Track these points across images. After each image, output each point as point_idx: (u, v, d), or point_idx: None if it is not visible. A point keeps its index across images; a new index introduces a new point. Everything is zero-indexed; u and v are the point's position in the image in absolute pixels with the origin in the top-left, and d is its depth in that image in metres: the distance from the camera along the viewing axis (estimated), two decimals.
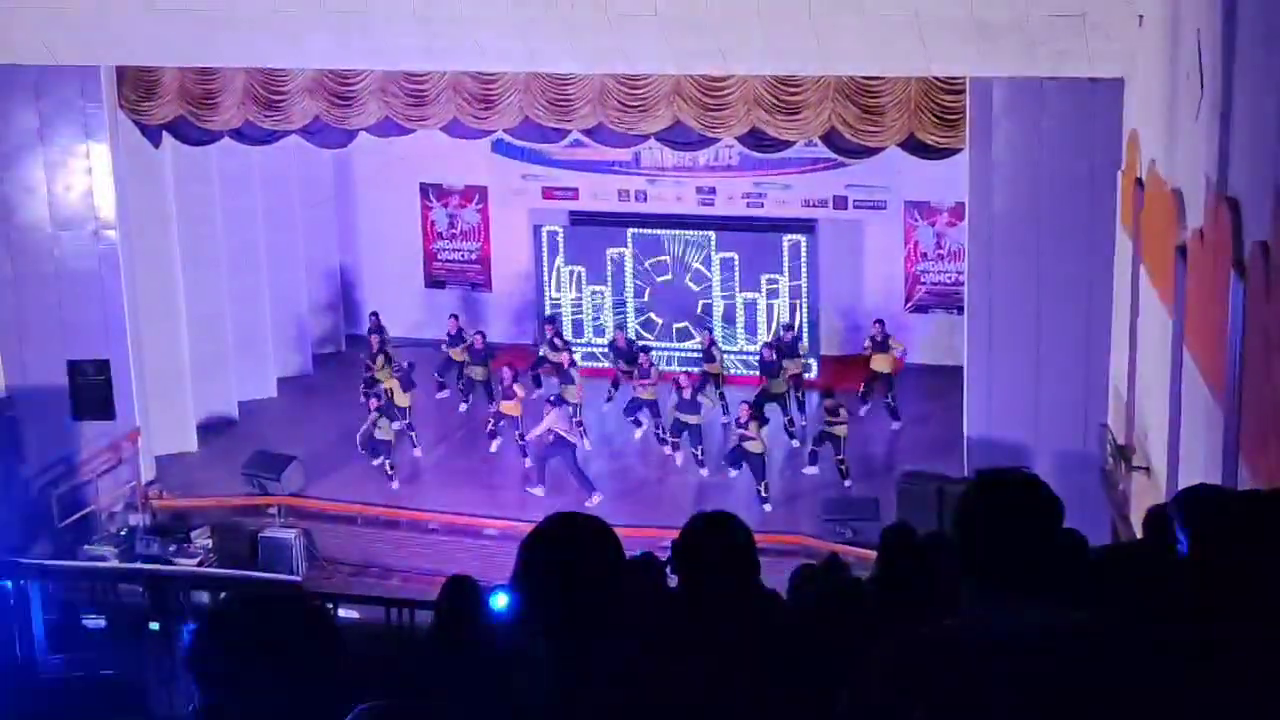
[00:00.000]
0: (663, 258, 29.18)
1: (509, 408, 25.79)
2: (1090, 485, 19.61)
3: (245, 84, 24.52)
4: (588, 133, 24.28)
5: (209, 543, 24.38)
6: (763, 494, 23.90)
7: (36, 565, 20.17)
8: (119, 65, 24.67)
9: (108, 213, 24.94)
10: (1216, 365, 12.52)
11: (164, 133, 25.55)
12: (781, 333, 27.72)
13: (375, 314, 29.26)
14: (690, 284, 29.12)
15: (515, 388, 25.79)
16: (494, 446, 26.22)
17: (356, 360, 29.22)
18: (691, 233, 29.22)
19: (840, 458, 24.69)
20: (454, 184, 31.35)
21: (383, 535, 24.63)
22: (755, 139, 23.40)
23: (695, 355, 27.91)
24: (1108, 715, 3.89)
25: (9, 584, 17.14)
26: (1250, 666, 4.08)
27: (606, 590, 3.94)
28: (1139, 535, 11.89)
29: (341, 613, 18.51)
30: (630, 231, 29.45)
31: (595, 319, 29.79)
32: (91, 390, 24.62)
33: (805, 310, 28.63)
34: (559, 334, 28.43)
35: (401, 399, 26.36)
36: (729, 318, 29.00)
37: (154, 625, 17.21)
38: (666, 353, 28.65)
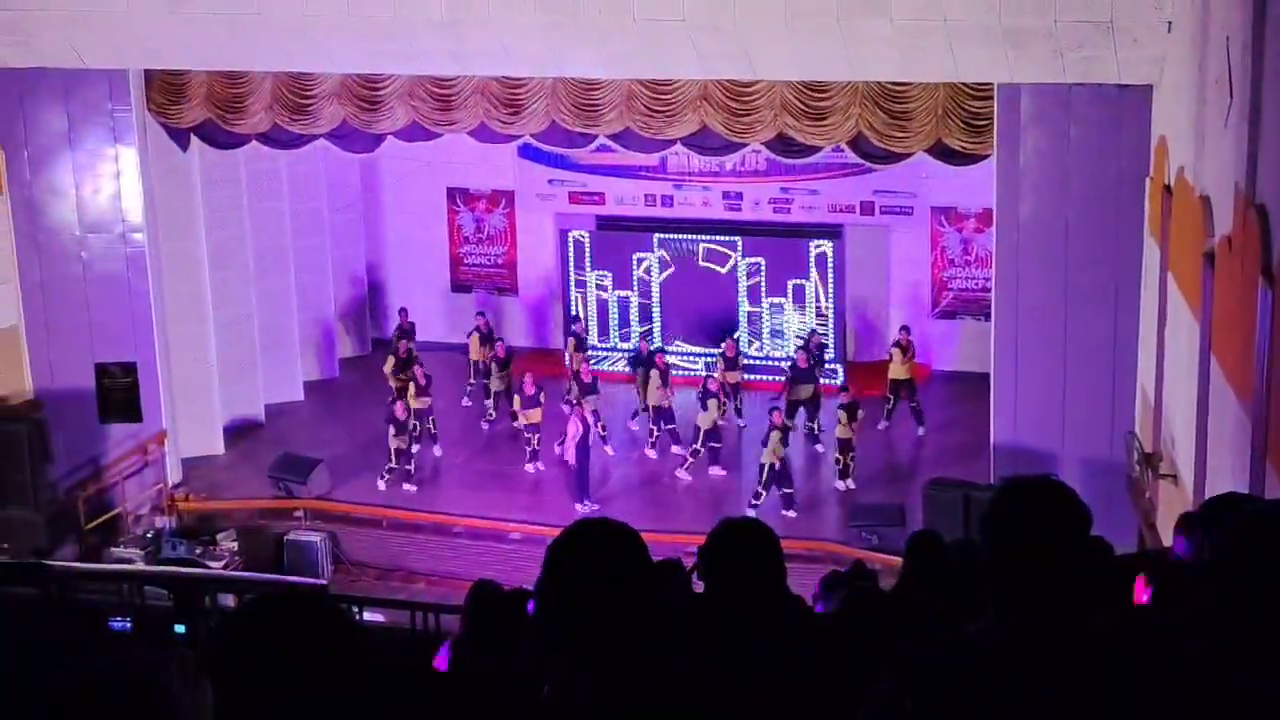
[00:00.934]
0: (702, 259, 29.18)
1: (532, 416, 25.78)
2: (1117, 492, 19.57)
3: (273, 88, 24.57)
4: (614, 138, 24.28)
5: (235, 545, 24.46)
6: (754, 501, 23.83)
7: (63, 567, 20.22)
8: (147, 69, 24.76)
9: (136, 216, 25.03)
10: (1244, 372, 12.49)
11: (192, 136, 25.63)
12: (810, 337, 27.69)
13: (404, 310, 29.32)
14: (715, 288, 29.13)
15: (541, 396, 25.81)
16: (530, 468, 26.13)
17: (383, 364, 29.24)
18: (718, 238, 29.22)
19: (838, 457, 24.68)
20: (480, 188, 31.38)
21: (408, 539, 24.67)
22: (782, 144, 23.38)
23: (712, 360, 27.85)
24: None
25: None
26: (1273, 677, 4.06)
27: (632, 595, 3.93)
28: (1166, 543, 11.85)
29: (366, 616, 18.52)
30: (656, 236, 29.46)
31: (621, 324, 29.80)
32: (119, 393, 24.68)
33: (831, 315, 28.62)
34: (581, 341, 28.44)
35: (416, 402, 26.34)
36: (754, 323, 28.98)
37: (180, 628, 17.22)
38: (692, 358, 28.64)
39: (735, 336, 28.20)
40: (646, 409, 26.63)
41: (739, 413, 26.99)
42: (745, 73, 22.10)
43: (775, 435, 23.78)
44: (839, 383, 27.08)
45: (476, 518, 24.59)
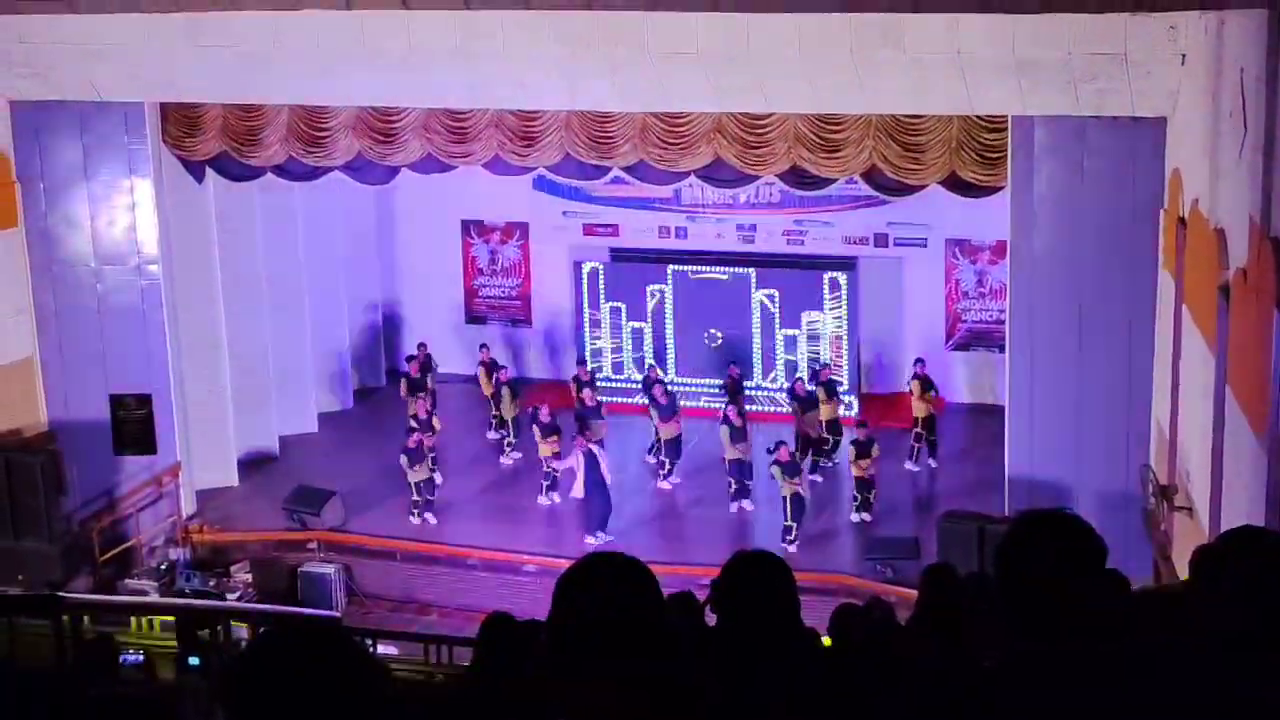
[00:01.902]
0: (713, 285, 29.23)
1: (550, 446, 25.79)
2: (1132, 526, 19.51)
3: (288, 120, 24.63)
4: (628, 170, 24.32)
5: (249, 577, 24.46)
6: (788, 537, 23.83)
7: (77, 599, 20.22)
8: (163, 102, 24.83)
9: (151, 248, 25.08)
10: (1260, 405, 12.46)
11: (207, 168, 25.70)
12: (818, 369, 27.66)
13: (423, 344, 29.40)
14: (729, 322, 29.15)
15: (559, 425, 25.87)
16: (544, 499, 26.13)
17: (397, 395, 29.29)
18: (732, 270, 29.23)
19: (855, 493, 24.76)
20: (495, 220, 31.44)
21: (422, 571, 24.64)
22: (796, 176, 23.40)
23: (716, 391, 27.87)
24: None
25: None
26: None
27: (643, 628, 3.92)
28: (1182, 576, 11.82)
29: (380, 648, 18.50)
30: (670, 268, 29.47)
31: (636, 354, 29.81)
32: (133, 424, 24.72)
33: (846, 348, 28.61)
34: (591, 374, 28.44)
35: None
36: (768, 355, 28.98)
37: (193, 660, 17.22)
38: (701, 389, 28.65)
39: (737, 364, 28.22)
40: (659, 440, 26.70)
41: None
42: (759, 105, 22.13)
43: (776, 469, 23.77)
44: (854, 414, 27.11)
45: (491, 550, 24.56)
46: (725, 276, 29.16)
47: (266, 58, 22.20)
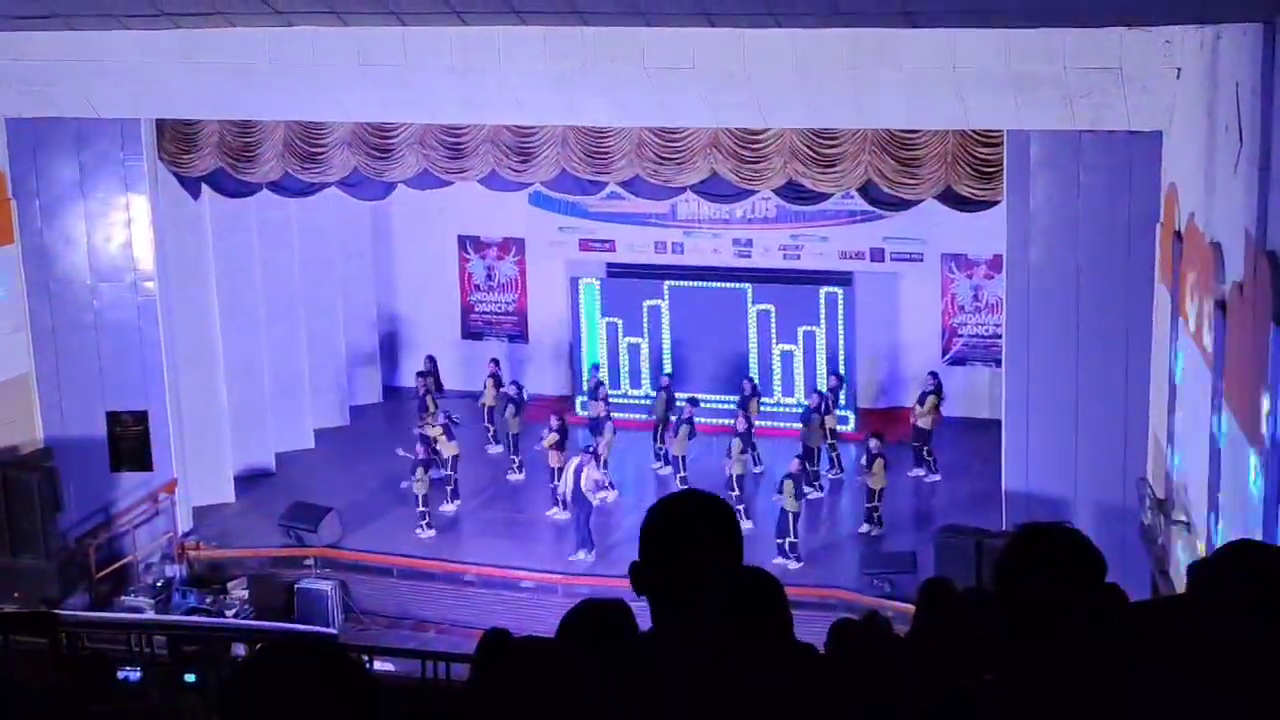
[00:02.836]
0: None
1: (555, 459, 25.85)
2: (1130, 539, 19.51)
3: (284, 136, 24.64)
4: (625, 185, 24.32)
5: (245, 594, 24.43)
6: (787, 550, 23.84)
7: (74, 616, 20.20)
8: (159, 118, 24.84)
9: (147, 264, 25.07)
10: (1256, 418, 12.45)
11: (203, 185, 25.70)
12: (832, 381, 27.73)
13: (431, 358, 29.44)
14: (726, 336, 29.16)
15: (565, 441, 25.98)
16: (554, 514, 26.13)
17: (394, 412, 29.34)
18: (728, 285, 29.25)
19: (870, 505, 24.74)
20: (491, 236, 31.45)
21: (419, 587, 24.62)
22: (792, 191, 23.41)
23: (728, 408, 27.86)
24: None
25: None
26: None
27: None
28: (1179, 589, 11.81)
29: (377, 665, 18.49)
30: (667, 284, 29.48)
31: (632, 370, 29.83)
32: (130, 441, 24.72)
33: (843, 362, 28.63)
34: (601, 385, 28.55)
35: (448, 448, 26.41)
36: (764, 370, 28.98)
37: (190, 677, 17.21)
38: (704, 405, 28.64)
39: (752, 379, 28.27)
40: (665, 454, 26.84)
41: (756, 459, 26.97)
42: (755, 120, 22.14)
43: (789, 483, 23.82)
44: (849, 428, 27.21)
45: (489, 566, 24.53)
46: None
47: (263, 74, 22.21)
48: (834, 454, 26.95)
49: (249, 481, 27.77)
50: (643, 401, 28.93)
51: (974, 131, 21.49)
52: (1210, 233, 15.65)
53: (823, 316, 28.65)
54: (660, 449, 27.59)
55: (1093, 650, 3.98)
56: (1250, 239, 13.09)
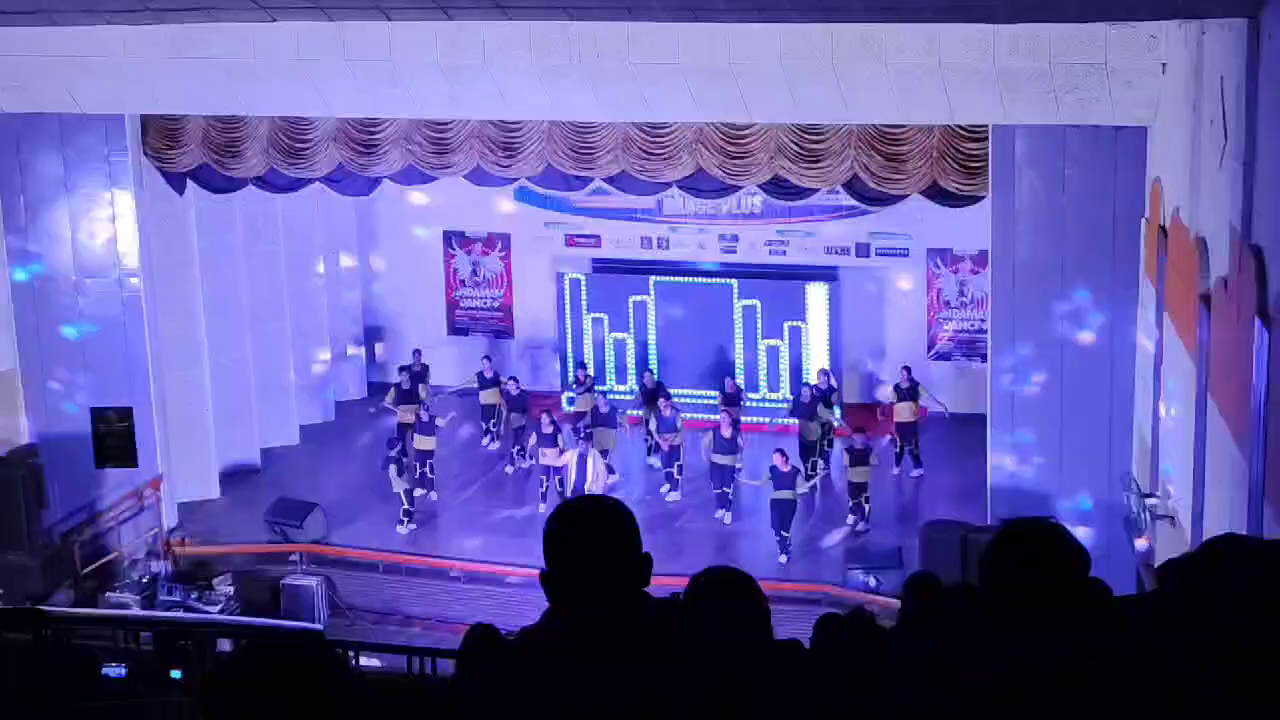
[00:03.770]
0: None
1: (548, 456, 25.85)
2: (1115, 534, 19.54)
3: (269, 132, 24.59)
4: (610, 180, 24.29)
5: (231, 590, 24.39)
6: (784, 542, 23.90)
7: (59, 612, 20.16)
8: (143, 114, 24.79)
9: (131, 260, 25.02)
10: (1241, 414, 12.47)
11: (188, 180, 25.64)
12: (820, 379, 27.74)
13: (418, 351, 29.43)
14: (711, 332, 29.17)
15: (559, 436, 26.00)
16: (544, 508, 26.10)
17: (380, 408, 29.28)
18: (714, 280, 29.25)
19: (857, 500, 24.78)
20: (477, 231, 31.41)
21: (405, 583, 24.60)
22: (778, 186, 23.40)
23: (712, 404, 27.87)
24: None
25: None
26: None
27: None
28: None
29: (363, 661, 18.47)
30: (652, 279, 29.46)
31: (618, 365, 29.84)
32: (114, 438, 24.65)
33: (828, 357, 28.64)
34: (589, 377, 28.61)
35: (423, 443, 26.42)
36: (750, 366, 28.99)
37: (175, 673, 17.17)
38: (689, 400, 28.62)
39: (733, 376, 28.30)
40: (657, 447, 26.82)
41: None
42: (741, 116, 22.14)
43: (766, 475, 23.89)
44: (838, 422, 27.28)
45: (474, 561, 24.53)
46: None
47: (248, 69, 22.17)
48: (827, 448, 26.93)
49: (234, 478, 27.72)
50: (628, 397, 28.90)
51: (959, 127, 21.50)
52: (1195, 228, 15.68)
53: (808, 312, 28.64)
54: (651, 443, 27.55)
55: (1077, 644, 3.98)
56: (1235, 234, 13.11)
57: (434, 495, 26.65)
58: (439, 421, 26.74)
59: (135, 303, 25.10)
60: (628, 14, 18.12)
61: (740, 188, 24.00)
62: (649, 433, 27.51)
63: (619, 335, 29.75)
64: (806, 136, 22.40)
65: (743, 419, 27.09)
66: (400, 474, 25.51)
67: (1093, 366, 21.16)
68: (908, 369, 27.03)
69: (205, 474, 27.09)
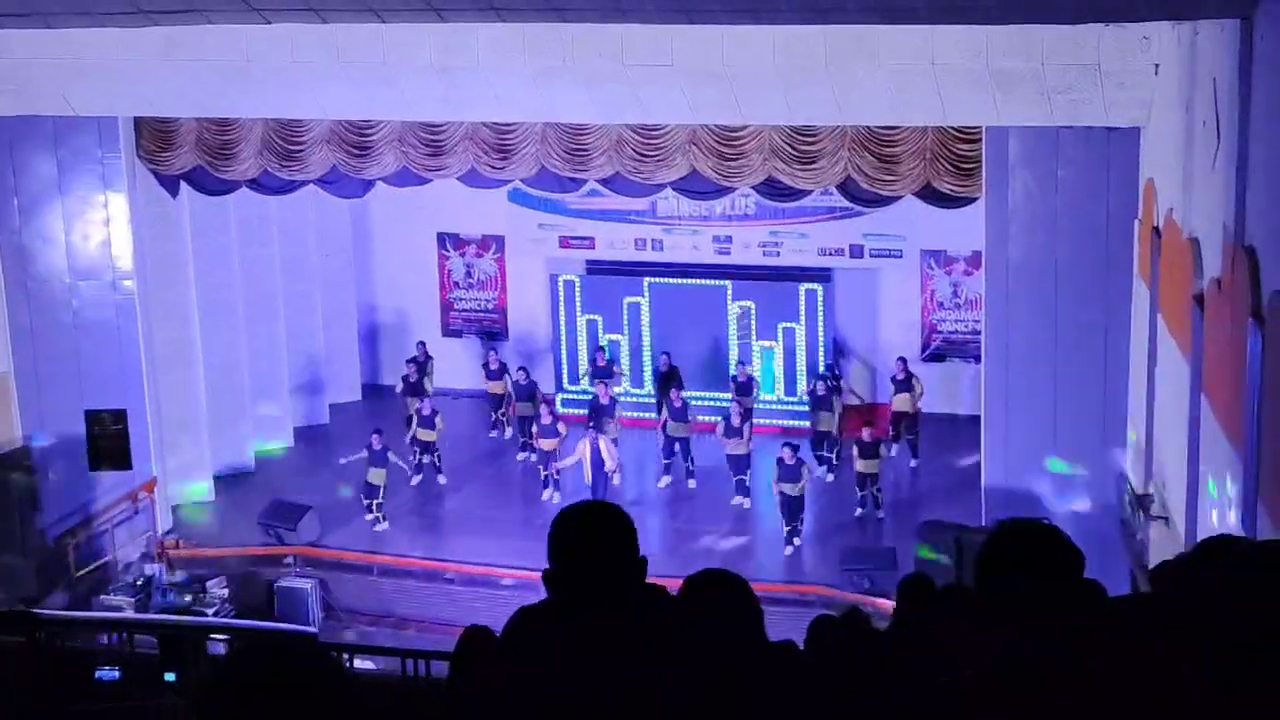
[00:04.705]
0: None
1: (547, 445, 25.92)
2: (1109, 534, 19.54)
3: (263, 134, 24.59)
4: (604, 182, 24.32)
5: (225, 593, 24.38)
6: (794, 540, 23.98)
7: (53, 615, 20.14)
8: (137, 116, 24.78)
9: (125, 262, 25.01)
10: (1235, 414, 12.48)
11: (182, 183, 25.64)
12: (826, 374, 27.81)
13: (422, 343, 29.48)
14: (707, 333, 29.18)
15: (559, 426, 26.17)
16: (548, 496, 26.28)
17: (374, 410, 29.28)
18: (708, 282, 29.25)
19: (865, 491, 25.00)
20: (471, 233, 31.42)
21: (399, 585, 24.60)
22: (771, 188, 23.41)
23: (715, 404, 27.89)
24: None
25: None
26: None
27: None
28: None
29: (357, 663, 18.45)
30: (647, 280, 29.46)
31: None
32: (108, 440, 24.60)
33: (822, 358, 28.66)
34: (609, 361, 28.71)
35: (425, 435, 26.62)
36: (744, 364, 29.00)
37: (169, 676, 17.15)
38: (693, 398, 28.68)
39: (746, 365, 28.40)
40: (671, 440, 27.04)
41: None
42: (734, 117, 22.14)
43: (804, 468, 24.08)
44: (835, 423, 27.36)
45: (469, 564, 24.51)
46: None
47: (241, 72, 22.16)
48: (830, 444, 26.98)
49: (228, 480, 27.72)
50: (624, 397, 28.88)
51: (953, 128, 21.52)
52: (1188, 228, 15.69)
53: (802, 313, 28.65)
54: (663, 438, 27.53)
55: (1072, 645, 3.98)
56: (1228, 234, 13.11)
57: (443, 479, 27.04)
58: (438, 423, 26.87)
59: (129, 305, 25.09)
60: (621, 15, 18.08)
61: (734, 189, 24.02)
62: (662, 425, 27.35)
63: (613, 336, 29.74)
64: (800, 138, 22.41)
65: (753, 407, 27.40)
66: (375, 465, 25.68)
67: (1086, 367, 21.17)
68: (903, 360, 27.12)
69: (200, 476, 27.07)
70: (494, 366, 29.08)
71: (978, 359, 24.11)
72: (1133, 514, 19.18)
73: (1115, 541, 19.41)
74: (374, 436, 26.01)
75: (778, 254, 29.39)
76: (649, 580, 4.65)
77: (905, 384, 26.87)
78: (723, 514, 25.62)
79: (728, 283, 29.17)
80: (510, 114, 23.15)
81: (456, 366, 30.52)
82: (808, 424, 27.34)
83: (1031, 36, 18.87)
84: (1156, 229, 18.07)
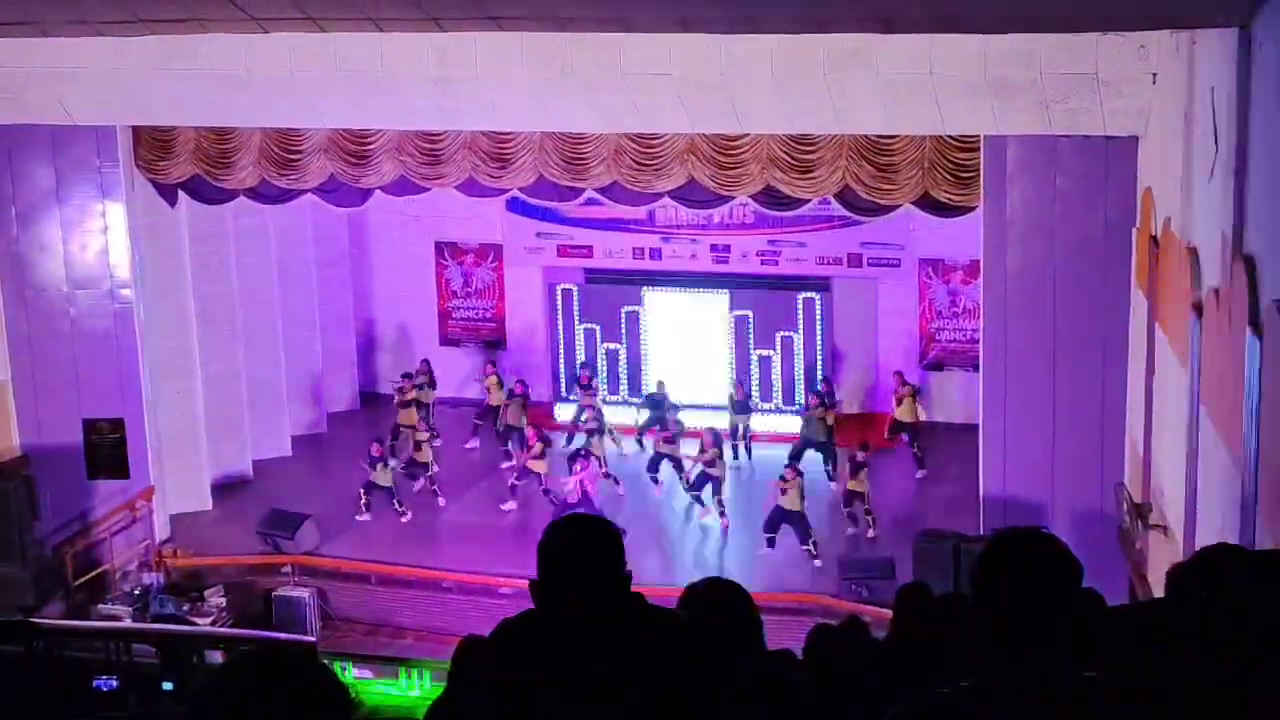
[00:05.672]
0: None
1: (537, 464, 25.90)
2: (1107, 544, 19.52)
3: (261, 143, 24.59)
4: (602, 191, 24.29)
5: (223, 602, 24.37)
6: (812, 552, 23.97)
7: (50, 624, 20.13)
8: (135, 125, 24.77)
9: (123, 271, 25.00)
10: (1233, 424, 12.47)
11: (180, 192, 25.63)
12: (820, 385, 27.83)
13: (426, 360, 29.50)
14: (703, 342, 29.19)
15: (541, 445, 26.09)
16: (508, 506, 26.21)
17: (371, 418, 29.26)
18: (706, 291, 29.26)
19: (852, 509, 24.88)
20: (469, 242, 31.42)
21: (396, 594, 24.57)
22: (770, 197, 23.41)
23: (711, 413, 27.89)
24: None
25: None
26: None
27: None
28: (1157, 594, 11.82)
29: (355, 672, 18.46)
30: (645, 290, 29.46)
31: (611, 375, 29.85)
32: (106, 449, 24.60)
33: (820, 367, 28.67)
34: (591, 378, 28.64)
35: (421, 456, 26.63)
36: (743, 375, 29.00)
37: (167, 685, 17.16)
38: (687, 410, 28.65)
39: (743, 382, 28.38)
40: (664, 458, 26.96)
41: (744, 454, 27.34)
42: (733, 126, 22.15)
43: (791, 475, 24.13)
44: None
45: (466, 573, 24.48)
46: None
47: (239, 81, 22.15)
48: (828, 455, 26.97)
49: (226, 489, 27.69)
50: (620, 407, 28.90)
51: (951, 137, 21.52)
52: (1187, 237, 15.69)
53: (801, 322, 28.65)
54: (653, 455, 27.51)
55: (1070, 656, 3.97)
56: (1226, 243, 13.11)
57: (442, 501, 26.88)
58: (435, 442, 26.94)
59: (127, 314, 25.07)
60: (619, 25, 18.08)
61: (732, 198, 23.99)
62: (656, 442, 27.33)
63: (611, 345, 29.75)
64: (798, 147, 22.41)
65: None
66: (387, 465, 25.83)
67: (1084, 376, 21.16)
68: (900, 374, 27.13)
69: (197, 485, 27.06)
70: (489, 381, 29.14)
71: (976, 368, 24.10)
72: (1131, 523, 19.17)
73: (1114, 551, 19.40)
74: (373, 445, 26.07)
75: (776, 263, 29.40)
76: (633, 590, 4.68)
77: (906, 396, 26.87)
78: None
79: (726, 291, 29.19)
80: (508, 123, 23.15)
81: (455, 376, 30.48)
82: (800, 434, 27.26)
83: (1029, 46, 18.88)
84: (1155, 238, 18.07)
